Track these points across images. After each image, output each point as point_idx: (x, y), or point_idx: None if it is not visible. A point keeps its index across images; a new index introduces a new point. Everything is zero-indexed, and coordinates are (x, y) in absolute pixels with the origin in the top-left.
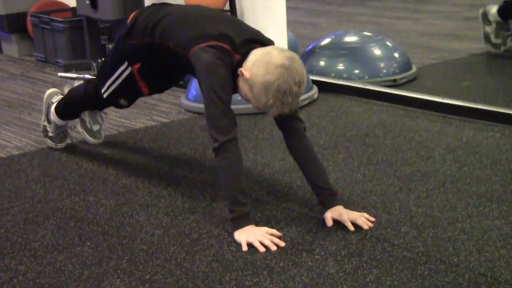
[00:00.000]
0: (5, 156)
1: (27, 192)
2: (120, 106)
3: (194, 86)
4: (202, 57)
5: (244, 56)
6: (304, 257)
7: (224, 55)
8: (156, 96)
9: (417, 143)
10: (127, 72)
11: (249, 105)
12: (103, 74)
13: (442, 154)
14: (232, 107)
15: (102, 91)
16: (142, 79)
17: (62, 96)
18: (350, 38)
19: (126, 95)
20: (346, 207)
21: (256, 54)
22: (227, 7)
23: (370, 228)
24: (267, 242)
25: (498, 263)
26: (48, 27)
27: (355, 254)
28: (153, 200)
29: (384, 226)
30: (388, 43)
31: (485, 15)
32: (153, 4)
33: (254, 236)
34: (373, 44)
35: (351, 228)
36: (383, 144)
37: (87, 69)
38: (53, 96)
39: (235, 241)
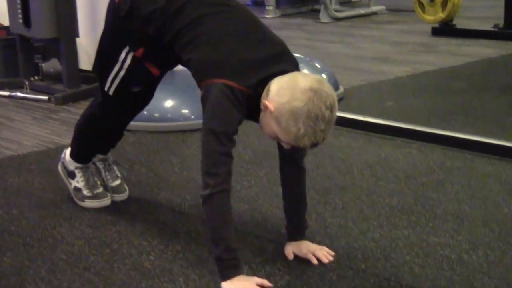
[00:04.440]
0: None
1: None
2: (135, 99)
3: None
4: (214, 94)
5: (265, 87)
6: None
7: (241, 97)
8: None
9: (338, 159)
10: (129, 59)
11: (178, 122)
12: (102, 66)
13: (360, 169)
14: (159, 124)
15: (106, 87)
16: (148, 61)
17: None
18: None
19: (136, 81)
20: (266, 219)
21: (279, 82)
22: None
23: (329, 261)
24: None
25: (402, 269)
26: None
27: (269, 262)
28: (77, 212)
29: None
30: (317, 65)
31: None
32: None
33: (244, 287)
34: (302, 65)
35: (315, 261)
36: (305, 160)
37: (20, 87)
38: (61, 156)
39: (154, 250)
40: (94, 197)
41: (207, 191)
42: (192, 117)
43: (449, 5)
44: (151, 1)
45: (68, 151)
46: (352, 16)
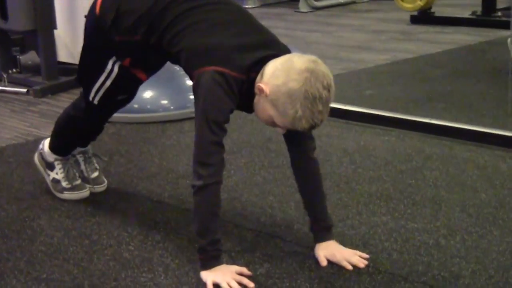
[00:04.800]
0: None
1: None
2: (120, 105)
3: None
4: (205, 82)
5: (258, 71)
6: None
7: (234, 83)
8: (66, 104)
9: (317, 147)
10: (116, 68)
11: (158, 113)
12: (86, 76)
13: (339, 157)
14: (138, 115)
15: (90, 98)
16: (136, 68)
17: (48, 138)
18: None
19: (122, 89)
20: (246, 208)
21: (274, 64)
22: None
23: (365, 265)
24: (233, 285)
25: (380, 255)
26: None
27: (248, 250)
28: (56, 204)
29: (279, 224)
30: None
31: None
32: None
33: (222, 276)
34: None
35: (349, 267)
36: (284, 149)
37: None
38: (39, 147)
39: (133, 240)
40: (73, 188)
41: (200, 182)
42: (172, 108)
43: None
44: (136, 8)
45: (47, 142)
46: (331, 5)
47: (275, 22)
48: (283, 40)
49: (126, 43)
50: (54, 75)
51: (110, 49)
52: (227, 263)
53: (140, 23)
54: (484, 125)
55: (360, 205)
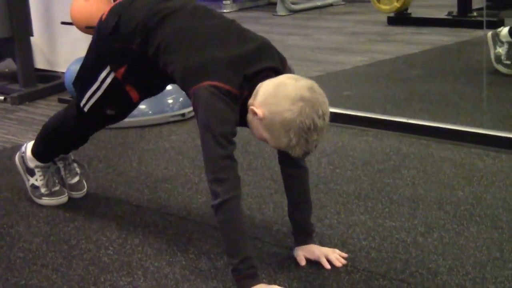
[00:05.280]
0: None
1: None
2: (109, 120)
3: None
4: (202, 97)
5: (250, 90)
6: (178, 257)
7: (229, 97)
8: (44, 111)
9: None
10: (109, 79)
11: (136, 118)
12: (81, 83)
13: (318, 158)
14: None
15: (82, 104)
16: (128, 83)
17: (32, 141)
18: None
19: (112, 104)
20: None
21: (267, 87)
22: None
23: (342, 264)
24: None
25: (359, 254)
26: None
27: None
28: (34, 210)
29: (258, 225)
30: None
31: (495, 37)
32: None
33: None
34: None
35: (327, 265)
36: (263, 151)
37: None
38: (21, 149)
39: (112, 245)
40: (51, 194)
41: (217, 200)
42: (150, 112)
43: None
44: (135, 15)
45: (29, 146)
46: (309, 8)
47: (252, 26)
48: None
49: (124, 51)
50: (31, 82)
51: (107, 56)
52: (207, 265)
53: (138, 32)
54: (461, 124)
55: (339, 205)
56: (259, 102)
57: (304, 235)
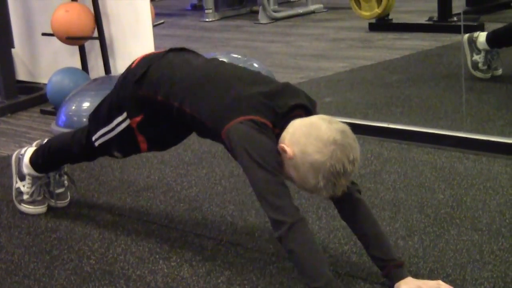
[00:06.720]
0: None
1: None
2: (113, 156)
3: (64, 111)
4: (239, 130)
5: (282, 127)
6: (160, 265)
7: (266, 129)
8: (26, 123)
9: None
10: (124, 125)
11: None
12: (96, 120)
13: None
14: None
15: (93, 138)
16: (141, 133)
17: (34, 147)
18: None
19: (121, 148)
20: (206, 217)
21: (300, 126)
22: (96, 34)
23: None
24: None
25: (340, 258)
26: None
27: (209, 259)
28: (16, 221)
29: (240, 232)
30: (255, 64)
31: (472, 44)
32: (170, 50)
33: None
34: (241, 65)
35: None
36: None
37: None
38: (21, 150)
39: (94, 254)
40: (32, 203)
41: (283, 228)
42: None
43: (384, 1)
44: (160, 67)
45: (29, 153)
46: (291, 16)
47: (235, 34)
48: (243, 51)
49: (145, 100)
50: (13, 94)
51: (127, 103)
52: (189, 272)
53: (162, 82)
54: (441, 128)
55: (320, 210)
56: (289, 141)
57: (395, 269)
